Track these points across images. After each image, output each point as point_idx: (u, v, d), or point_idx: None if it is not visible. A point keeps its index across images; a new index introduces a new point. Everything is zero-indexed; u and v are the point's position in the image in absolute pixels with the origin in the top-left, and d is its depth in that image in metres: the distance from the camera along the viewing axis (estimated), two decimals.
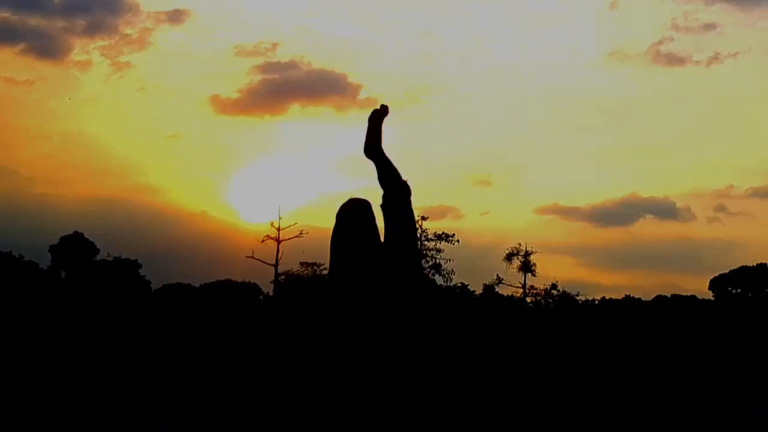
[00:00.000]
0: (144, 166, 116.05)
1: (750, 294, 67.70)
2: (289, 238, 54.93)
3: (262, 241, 54.55)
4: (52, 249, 64.57)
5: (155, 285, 66.91)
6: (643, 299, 69.10)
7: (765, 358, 16.64)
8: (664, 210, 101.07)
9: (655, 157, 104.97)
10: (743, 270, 68.79)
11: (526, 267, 54.58)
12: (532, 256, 54.67)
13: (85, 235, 65.56)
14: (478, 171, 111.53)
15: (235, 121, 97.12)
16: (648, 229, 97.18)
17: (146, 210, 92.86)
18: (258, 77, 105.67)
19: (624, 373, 12.33)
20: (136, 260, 65.52)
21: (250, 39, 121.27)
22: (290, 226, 54.18)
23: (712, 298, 69.78)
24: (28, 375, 9.47)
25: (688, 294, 70.12)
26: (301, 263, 61.54)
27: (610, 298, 68.98)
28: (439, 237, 46.61)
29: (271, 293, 59.80)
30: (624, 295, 70.28)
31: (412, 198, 5.02)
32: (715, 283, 70.38)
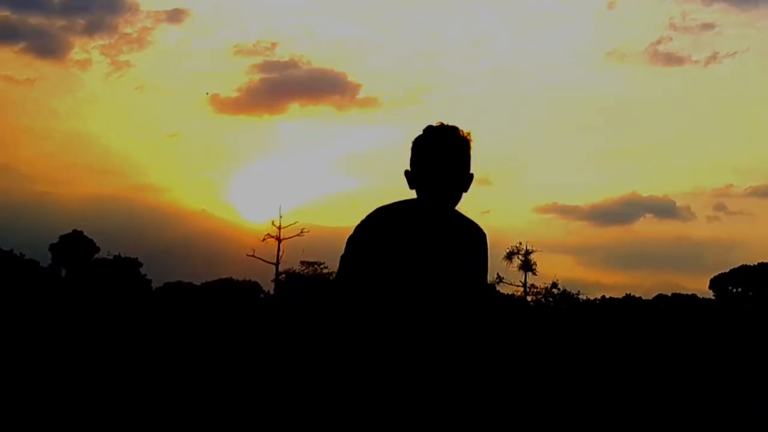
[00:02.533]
0: (144, 164, 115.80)
1: (751, 293, 67.69)
2: (290, 237, 54.92)
3: (263, 239, 54.56)
4: (52, 247, 64.65)
5: (156, 284, 67.02)
6: (644, 298, 69.07)
7: (766, 357, 16.64)
8: (664, 209, 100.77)
9: (654, 156, 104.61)
10: (744, 269, 68.80)
11: (527, 266, 54.54)
12: (532, 255, 54.61)
13: (85, 233, 65.65)
14: (478, 170, 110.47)
15: (235, 120, 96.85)
16: (648, 228, 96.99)
17: (146, 209, 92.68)
18: (257, 76, 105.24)
19: (624, 372, 12.30)
20: (137, 259, 65.60)
21: (250, 38, 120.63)
22: (291, 224, 54.18)
23: (713, 298, 69.77)
24: (27, 374, 9.46)
25: (689, 293, 70.18)
26: (302, 262, 61.59)
27: (611, 297, 68.95)
28: None
29: (271, 292, 59.87)
30: (624, 294, 70.29)
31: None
32: (716, 283, 70.38)
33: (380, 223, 3.27)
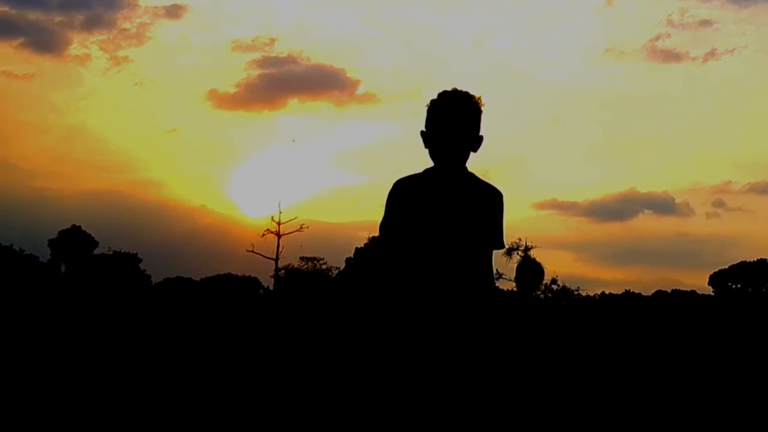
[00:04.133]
0: (143, 160, 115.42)
1: (750, 289, 67.77)
2: (289, 233, 54.81)
3: (263, 235, 54.56)
4: (52, 243, 64.64)
5: (155, 279, 67.05)
6: (643, 294, 69.14)
7: (765, 354, 16.67)
8: (663, 205, 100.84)
9: (653, 152, 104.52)
10: (743, 265, 68.88)
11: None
12: (531, 251, 54.61)
13: (84, 229, 65.65)
14: (477, 166, 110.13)
15: (234, 116, 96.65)
16: (647, 224, 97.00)
17: (146, 204, 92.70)
18: (256, 72, 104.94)
19: (624, 369, 12.32)
20: (136, 254, 65.60)
21: (248, 34, 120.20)
22: (290, 220, 54.19)
23: (712, 294, 69.84)
24: (26, 372, 9.46)
25: (688, 289, 70.30)
26: (301, 258, 61.61)
27: (610, 293, 68.98)
28: None
29: (271, 287, 59.90)
30: (624, 290, 70.34)
31: None
32: (715, 279, 70.48)
33: (402, 186, 3.57)
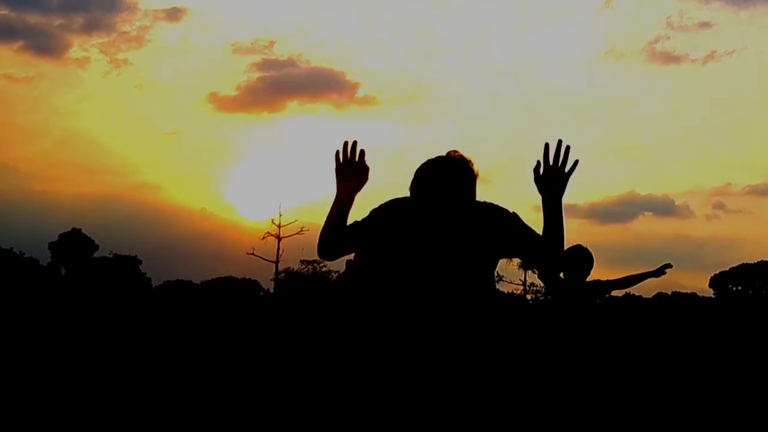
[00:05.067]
0: (143, 163, 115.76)
1: (750, 291, 67.79)
2: (289, 235, 54.94)
3: (263, 238, 54.71)
4: (52, 246, 64.72)
5: (156, 282, 67.12)
6: (644, 297, 69.14)
7: (765, 356, 16.68)
8: (663, 207, 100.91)
9: (652, 155, 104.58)
10: (744, 267, 68.90)
11: (526, 264, 54.61)
12: None
13: (83, 231, 65.74)
14: (476, 168, 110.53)
15: (234, 119, 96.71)
16: (647, 226, 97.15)
17: (146, 207, 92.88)
18: (256, 75, 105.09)
19: (625, 373, 12.33)
20: (136, 257, 65.70)
21: (248, 36, 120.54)
22: (291, 223, 54.28)
23: (713, 296, 69.88)
24: (27, 374, 9.48)
25: (689, 291, 70.31)
26: (302, 261, 61.68)
27: (611, 296, 68.96)
28: None
29: (271, 290, 59.93)
30: (624, 293, 70.35)
31: None
32: (716, 281, 70.51)
33: (393, 206, 3.36)
